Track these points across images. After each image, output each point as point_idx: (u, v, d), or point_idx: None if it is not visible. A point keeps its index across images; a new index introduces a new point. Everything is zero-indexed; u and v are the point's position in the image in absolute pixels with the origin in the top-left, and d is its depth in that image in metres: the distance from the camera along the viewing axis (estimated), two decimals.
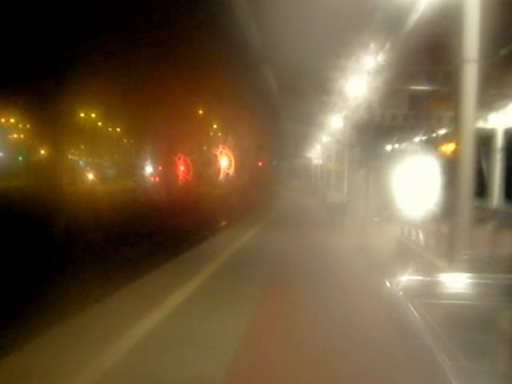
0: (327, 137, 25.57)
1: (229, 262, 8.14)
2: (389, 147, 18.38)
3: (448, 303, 1.99)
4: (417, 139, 14.21)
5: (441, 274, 2.29)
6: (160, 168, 43.76)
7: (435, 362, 1.29)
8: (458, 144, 4.66)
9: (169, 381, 3.36)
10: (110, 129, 53.95)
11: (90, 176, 44.45)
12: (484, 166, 9.41)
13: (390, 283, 1.89)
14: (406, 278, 1.94)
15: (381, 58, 10.02)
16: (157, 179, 42.42)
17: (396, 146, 17.18)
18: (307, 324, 4.52)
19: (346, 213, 14.14)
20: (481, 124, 8.61)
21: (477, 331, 1.94)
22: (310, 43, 9.60)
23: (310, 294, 5.87)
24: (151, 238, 11.88)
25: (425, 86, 11.11)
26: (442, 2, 5.40)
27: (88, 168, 48.37)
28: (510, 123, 8.97)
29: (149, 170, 45.44)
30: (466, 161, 4.58)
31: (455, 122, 4.78)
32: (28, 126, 47.60)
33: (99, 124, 51.51)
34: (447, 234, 5.02)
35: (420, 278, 2.03)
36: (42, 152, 47.20)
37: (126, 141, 55.32)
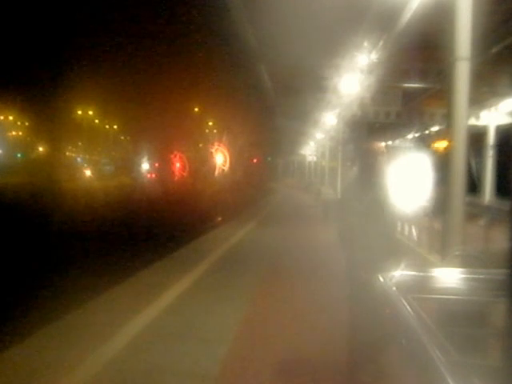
0: (321, 134, 25.62)
1: (225, 257, 8.16)
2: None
3: (441, 298, 2.01)
4: (410, 136, 14.31)
5: (434, 269, 2.32)
6: (156, 165, 43.74)
7: (428, 356, 1.31)
8: (450, 141, 4.70)
9: (166, 374, 3.40)
10: (107, 126, 53.83)
11: (88, 173, 44.44)
12: (476, 162, 9.51)
13: (383, 278, 1.91)
14: (399, 273, 1.97)
15: (374, 55, 10.06)
16: (153, 176, 42.41)
17: (389, 143, 17.23)
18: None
19: (340, 209, 14.17)
20: (473, 121, 8.71)
21: (469, 325, 1.97)
22: (305, 41, 9.60)
23: (299, 281, 6.31)
24: (148, 233, 11.89)
25: (418, 83, 11.17)
26: (434, 1, 5.44)
27: (85, 165, 48.29)
28: (501, 120, 9.07)
29: (145, 166, 45.43)
30: (458, 157, 4.63)
31: (447, 120, 4.82)
32: (26, 123, 47.52)
33: (96, 121, 51.36)
34: (440, 230, 5.07)
35: (413, 273, 2.05)
36: (41, 149, 47.11)
37: (122, 138, 55.21)
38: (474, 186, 8.90)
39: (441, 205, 4.83)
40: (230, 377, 3.41)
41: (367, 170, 3.34)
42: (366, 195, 3.24)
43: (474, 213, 6.43)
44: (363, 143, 3.78)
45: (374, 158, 3.31)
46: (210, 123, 40.22)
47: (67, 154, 47.06)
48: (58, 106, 37.22)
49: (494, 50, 6.92)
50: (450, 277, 2.07)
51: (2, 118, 45.74)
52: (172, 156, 36.86)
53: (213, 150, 34.56)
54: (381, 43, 9.20)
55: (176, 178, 36.16)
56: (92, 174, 44.44)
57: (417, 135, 13.49)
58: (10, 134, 47.20)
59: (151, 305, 4.97)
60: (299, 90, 16.16)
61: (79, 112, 47.92)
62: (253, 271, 6.93)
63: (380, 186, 3.27)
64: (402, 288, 1.80)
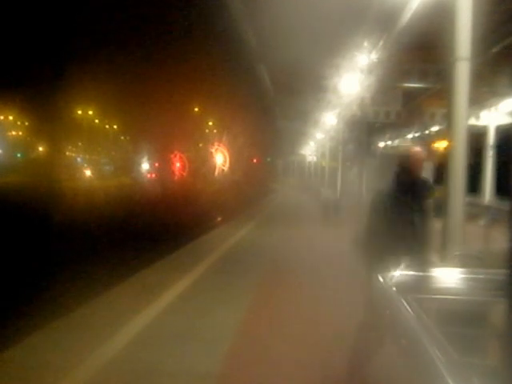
0: (321, 134, 25.64)
1: (225, 257, 8.16)
2: (382, 144, 18.43)
3: (441, 298, 2.01)
4: (410, 136, 14.33)
5: (434, 269, 2.32)
6: (156, 165, 43.84)
7: (428, 356, 1.31)
8: (450, 141, 4.70)
9: (166, 374, 3.40)
10: (107, 126, 53.92)
11: (88, 172, 44.56)
12: (476, 162, 9.52)
13: (383, 278, 1.91)
14: (399, 273, 1.97)
15: (374, 55, 10.07)
16: (153, 176, 42.48)
17: (389, 142, 17.24)
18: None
19: (340, 208, 14.25)
20: (473, 121, 8.72)
21: (469, 325, 1.97)
22: (305, 41, 9.62)
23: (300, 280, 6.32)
24: (148, 233, 11.89)
25: (418, 83, 11.18)
26: (434, 1, 5.44)
27: (85, 165, 48.42)
28: (501, 120, 9.09)
29: (145, 166, 45.53)
30: (458, 157, 4.62)
31: (447, 120, 4.82)
32: (26, 123, 47.64)
33: (96, 121, 51.45)
34: (440, 230, 5.07)
35: (413, 273, 2.05)
36: (40, 149, 47.24)
37: (122, 138, 55.32)
38: (474, 186, 8.92)
39: (441, 205, 4.83)
40: (230, 377, 3.42)
41: (406, 192, 2.38)
42: (406, 237, 2.32)
43: (473, 213, 6.44)
44: (397, 148, 2.95)
45: (417, 170, 2.32)
46: (210, 123, 40.26)
47: (67, 153, 47.14)
48: (58, 106, 37.26)
49: (494, 50, 6.93)
50: (450, 277, 2.06)
51: (1, 117, 45.85)
52: (172, 156, 36.93)
53: (213, 150, 34.62)
54: (381, 43, 9.21)
55: (176, 178, 36.21)
56: (92, 173, 44.53)
57: (417, 135, 13.50)
58: (9, 133, 47.31)
59: (151, 305, 4.98)
60: (299, 89, 16.18)
61: (79, 112, 48.02)
62: (253, 271, 6.93)
63: (425, 217, 2.31)
64: (402, 288, 1.80)
